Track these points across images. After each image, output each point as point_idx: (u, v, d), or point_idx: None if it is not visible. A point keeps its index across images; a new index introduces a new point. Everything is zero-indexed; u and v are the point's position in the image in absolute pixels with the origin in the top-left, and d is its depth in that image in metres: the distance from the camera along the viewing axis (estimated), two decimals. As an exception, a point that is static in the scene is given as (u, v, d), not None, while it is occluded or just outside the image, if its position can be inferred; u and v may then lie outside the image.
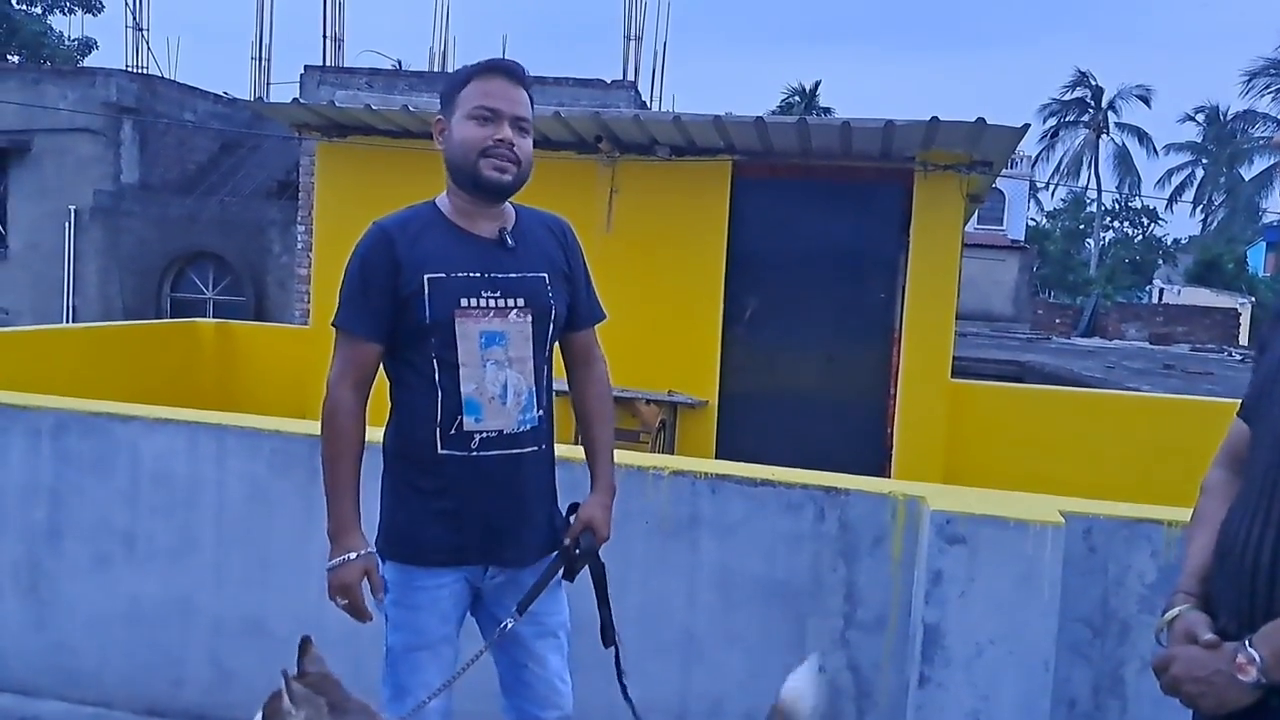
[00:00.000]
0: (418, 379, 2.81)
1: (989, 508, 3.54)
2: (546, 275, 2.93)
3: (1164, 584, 3.61)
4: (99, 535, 4.60)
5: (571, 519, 3.03)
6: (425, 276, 2.77)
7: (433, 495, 2.84)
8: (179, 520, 4.52)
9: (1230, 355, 25.80)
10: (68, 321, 17.48)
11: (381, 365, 2.89)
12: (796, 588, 3.94)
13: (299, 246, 15.79)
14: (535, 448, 2.92)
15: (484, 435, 2.82)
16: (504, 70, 2.87)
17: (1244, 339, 34.69)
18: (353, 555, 2.79)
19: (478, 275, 2.80)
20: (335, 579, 2.81)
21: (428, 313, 2.75)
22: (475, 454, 2.81)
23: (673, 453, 9.30)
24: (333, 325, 2.86)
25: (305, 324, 12.58)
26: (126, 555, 4.57)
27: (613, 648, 3.05)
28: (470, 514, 2.84)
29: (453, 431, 2.80)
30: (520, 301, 2.86)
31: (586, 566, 3.02)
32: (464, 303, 2.77)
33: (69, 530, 4.63)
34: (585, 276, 3.12)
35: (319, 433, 2.86)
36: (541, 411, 2.93)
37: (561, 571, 2.99)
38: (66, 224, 18.16)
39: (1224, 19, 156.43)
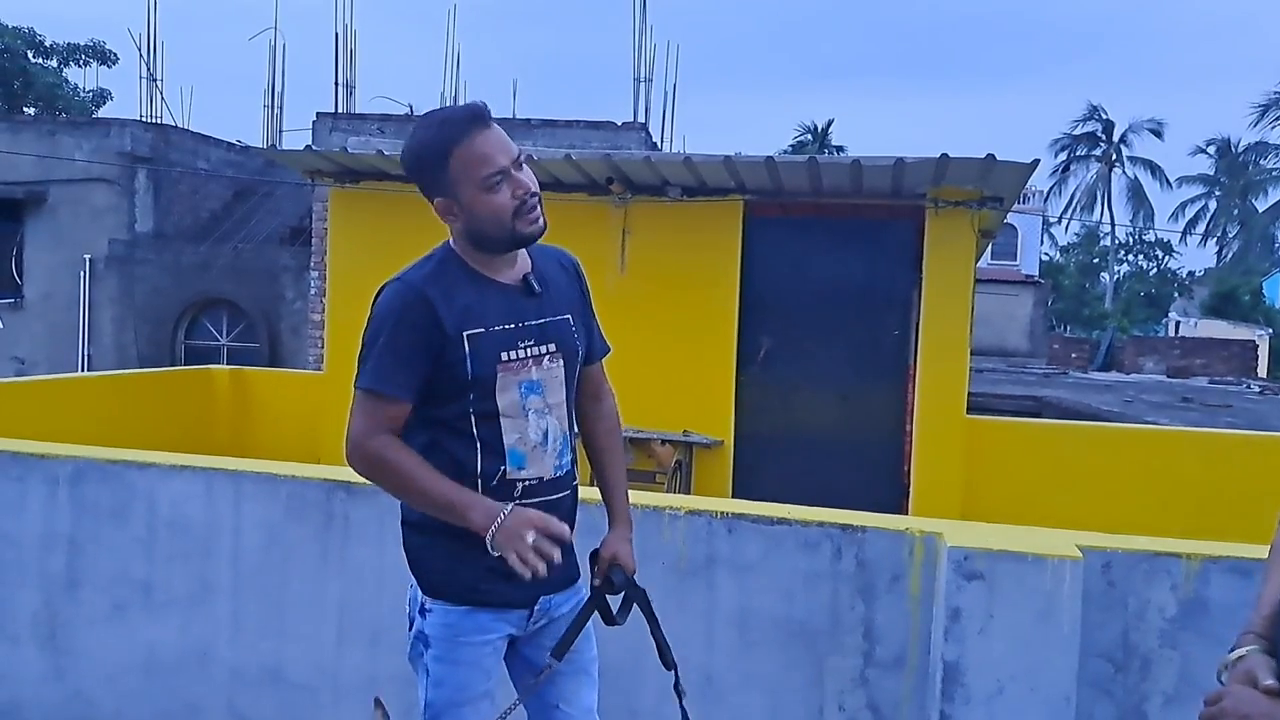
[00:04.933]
0: (453, 434, 2.75)
1: (1007, 543, 3.51)
2: (570, 317, 2.92)
3: (1184, 618, 3.59)
4: (116, 584, 4.60)
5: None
6: (465, 334, 2.70)
7: (469, 539, 2.69)
8: (196, 568, 4.51)
9: (1249, 387, 25.66)
10: (83, 370, 17.52)
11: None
12: (815, 627, 3.91)
13: (312, 292, 15.83)
14: (568, 491, 2.92)
15: (526, 483, 2.79)
16: (477, 121, 2.72)
17: (1262, 371, 34.56)
18: (507, 508, 2.62)
19: (513, 326, 2.74)
20: (506, 537, 2.57)
21: (470, 370, 2.70)
22: (517, 503, 2.73)
23: (689, 493, 9.27)
24: (358, 387, 2.72)
25: (319, 369, 12.60)
26: (144, 604, 4.57)
27: (673, 670, 3.01)
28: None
29: (494, 482, 2.76)
30: (552, 347, 2.83)
31: (623, 600, 2.99)
32: (504, 356, 2.73)
33: (86, 579, 4.63)
34: (592, 310, 3.10)
35: (367, 480, 2.76)
36: (572, 454, 2.93)
37: (600, 614, 2.97)
38: (82, 273, 18.23)
39: (1233, 51, 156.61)
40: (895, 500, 9.21)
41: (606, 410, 3.15)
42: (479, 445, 2.74)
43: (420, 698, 2.90)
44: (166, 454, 4.76)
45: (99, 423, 8.85)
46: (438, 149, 2.72)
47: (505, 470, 2.76)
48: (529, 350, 2.78)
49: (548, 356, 2.82)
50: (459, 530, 2.70)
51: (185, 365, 16.42)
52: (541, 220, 2.76)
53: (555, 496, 2.86)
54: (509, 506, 2.62)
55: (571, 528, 2.95)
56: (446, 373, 2.71)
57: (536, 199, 2.75)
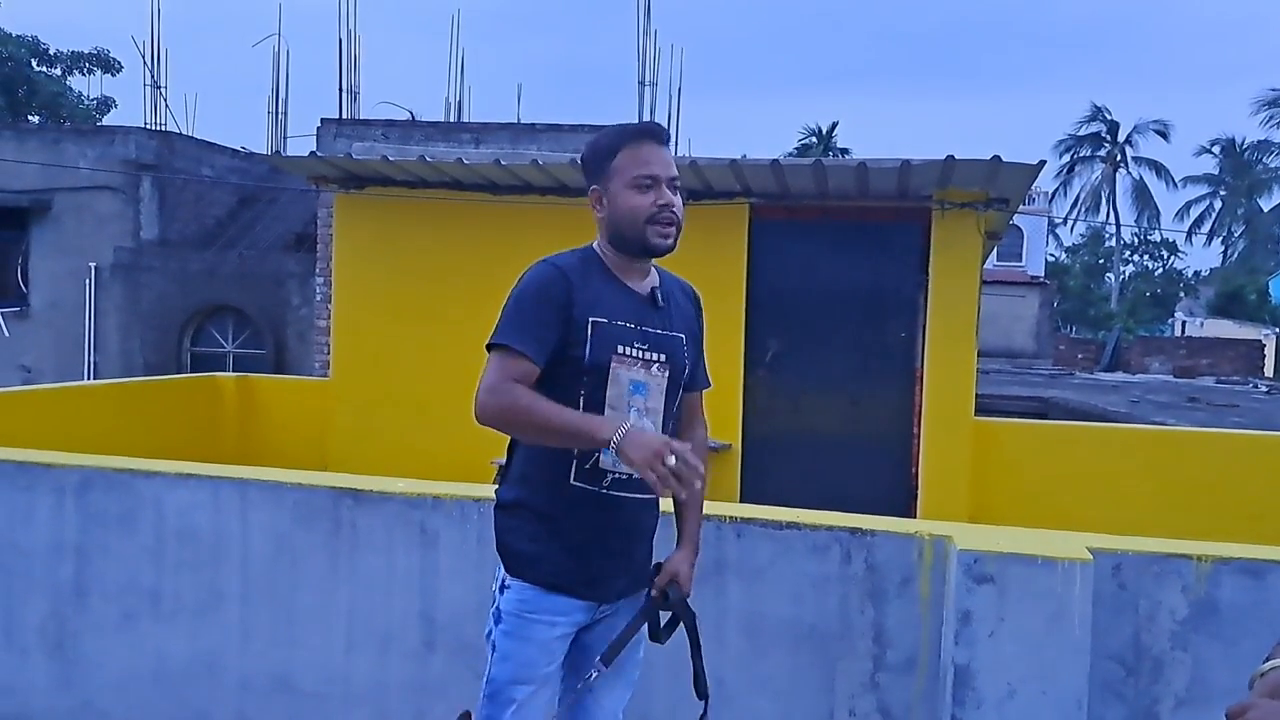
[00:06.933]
0: None
1: (1016, 546, 3.51)
2: (684, 337, 3.09)
3: (1195, 619, 3.58)
4: (125, 593, 4.59)
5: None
6: (591, 319, 2.87)
7: (555, 522, 2.92)
8: (204, 576, 4.51)
9: (1255, 387, 25.61)
10: (89, 378, 17.49)
11: None
12: (825, 631, 3.91)
13: (317, 298, 15.80)
14: (655, 496, 3.02)
15: (616, 476, 2.91)
16: (653, 135, 3.02)
17: (1269, 370, 34.50)
18: (627, 424, 2.70)
19: (633, 326, 2.92)
20: (633, 444, 2.62)
21: (588, 353, 2.86)
22: (605, 492, 2.92)
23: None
24: (491, 345, 2.84)
25: (325, 376, 12.58)
26: (152, 612, 4.56)
27: (704, 700, 3.11)
28: (589, 545, 2.93)
29: (587, 467, 2.89)
30: (662, 358, 2.99)
31: (669, 620, 3.11)
32: (621, 349, 2.88)
33: (95, 588, 4.62)
34: (703, 342, 3.28)
35: (497, 427, 2.79)
36: None
37: (646, 629, 3.07)
38: (87, 281, 18.20)
39: (1239, 51, 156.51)
40: (903, 503, 9.18)
41: (698, 439, 3.29)
42: None
43: (484, 674, 3.00)
44: (173, 462, 4.76)
45: (105, 431, 8.84)
46: (611, 143, 3.00)
47: (599, 458, 2.88)
48: (642, 353, 2.95)
49: (657, 365, 2.98)
50: (546, 513, 2.93)
51: (191, 373, 16.39)
52: (672, 240, 2.98)
53: (643, 496, 2.99)
54: (626, 424, 2.69)
55: (650, 535, 3.13)
56: (568, 352, 2.86)
57: (674, 218, 2.96)
